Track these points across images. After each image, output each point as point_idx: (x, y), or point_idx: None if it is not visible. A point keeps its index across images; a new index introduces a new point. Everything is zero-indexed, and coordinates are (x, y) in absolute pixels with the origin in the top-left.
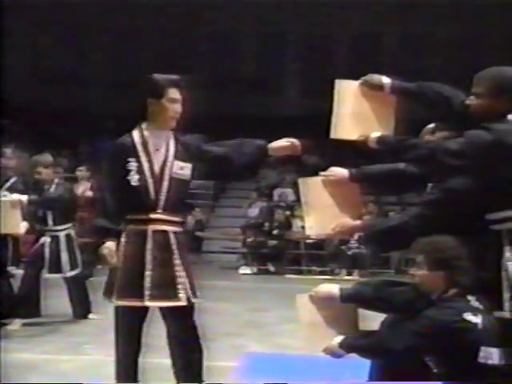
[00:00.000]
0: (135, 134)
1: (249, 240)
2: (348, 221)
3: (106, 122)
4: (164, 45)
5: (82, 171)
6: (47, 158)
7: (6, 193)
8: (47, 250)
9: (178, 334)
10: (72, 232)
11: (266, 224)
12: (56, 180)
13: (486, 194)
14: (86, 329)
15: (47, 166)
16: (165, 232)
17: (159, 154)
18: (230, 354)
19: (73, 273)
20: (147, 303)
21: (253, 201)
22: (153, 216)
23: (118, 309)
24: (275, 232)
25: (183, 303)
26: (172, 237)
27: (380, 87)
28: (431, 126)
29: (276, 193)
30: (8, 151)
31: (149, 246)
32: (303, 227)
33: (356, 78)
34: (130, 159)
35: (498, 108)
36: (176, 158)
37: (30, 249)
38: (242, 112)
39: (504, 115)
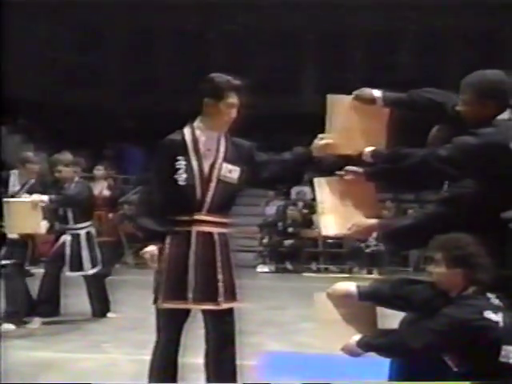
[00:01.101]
0: (186, 131)
1: (266, 238)
2: (364, 220)
3: (124, 121)
4: (178, 45)
5: (99, 170)
6: (67, 156)
7: (27, 195)
8: (68, 249)
9: (214, 335)
10: (92, 230)
11: (280, 223)
12: (76, 178)
13: (492, 194)
14: (105, 327)
15: (67, 164)
16: (209, 233)
17: (209, 154)
18: (248, 352)
19: (94, 270)
20: (191, 305)
21: (270, 199)
22: (197, 217)
23: (161, 309)
24: (290, 230)
25: (220, 307)
26: (217, 238)
27: (372, 101)
28: (436, 128)
29: (294, 191)
30: (31, 155)
31: (193, 247)
32: None
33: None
34: (179, 157)
35: (486, 112)
36: (225, 160)
37: (50, 248)
38: (258, 111)
39: (493, 118)
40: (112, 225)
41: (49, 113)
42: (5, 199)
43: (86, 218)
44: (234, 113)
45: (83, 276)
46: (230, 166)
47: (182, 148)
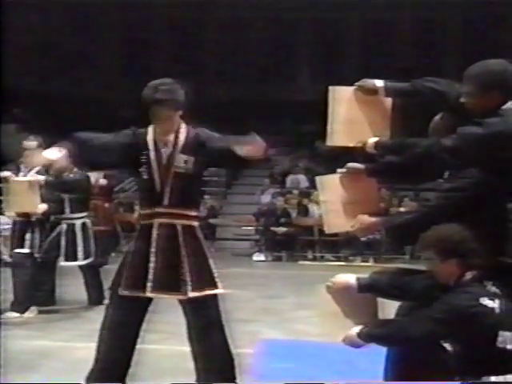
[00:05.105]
0: (149, 129)
1: (261, 227)
2: (367, 218)
3: (120, 110)
4: (176, 32)
5: None
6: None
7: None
8: (63, 238)
9: (193, 323)
10: (88, 221)
11: (276, 212)
12: (74, 169)
13: (496, 183)
14: (102, 316)
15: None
16: (172, 225)
17: (167, 148)
18: (245, 340)
19: (87, 261)
20: (148, 294)
21: (265, 187)
22: (158, 210)
23: (116, 299)
24: (282, 220)
25: (182, 297)
26: (180, 230)
27: (374, 91)
28: (439, 116)
29: (289, 179)
30: (32, 139)
31: (154, 238)
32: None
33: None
34: (143, 152)
35: (491, 103)
36: (182, 151)
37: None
38: (256, 97)
39: (498, 107)
40: (108, 214)
41: (44, 102)
42: (2, 174)
43: (82, 209)
44: (163, 124)
45: (79, 265)
46: (184, 157)
47: (144, 143)
